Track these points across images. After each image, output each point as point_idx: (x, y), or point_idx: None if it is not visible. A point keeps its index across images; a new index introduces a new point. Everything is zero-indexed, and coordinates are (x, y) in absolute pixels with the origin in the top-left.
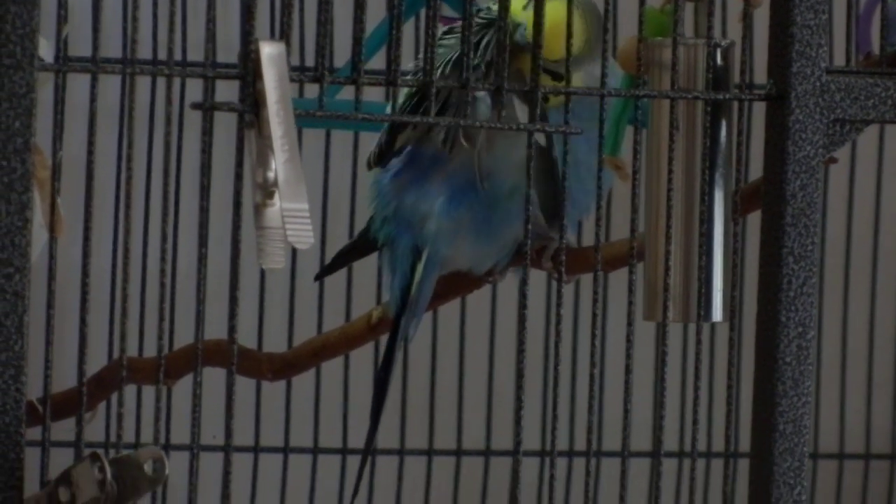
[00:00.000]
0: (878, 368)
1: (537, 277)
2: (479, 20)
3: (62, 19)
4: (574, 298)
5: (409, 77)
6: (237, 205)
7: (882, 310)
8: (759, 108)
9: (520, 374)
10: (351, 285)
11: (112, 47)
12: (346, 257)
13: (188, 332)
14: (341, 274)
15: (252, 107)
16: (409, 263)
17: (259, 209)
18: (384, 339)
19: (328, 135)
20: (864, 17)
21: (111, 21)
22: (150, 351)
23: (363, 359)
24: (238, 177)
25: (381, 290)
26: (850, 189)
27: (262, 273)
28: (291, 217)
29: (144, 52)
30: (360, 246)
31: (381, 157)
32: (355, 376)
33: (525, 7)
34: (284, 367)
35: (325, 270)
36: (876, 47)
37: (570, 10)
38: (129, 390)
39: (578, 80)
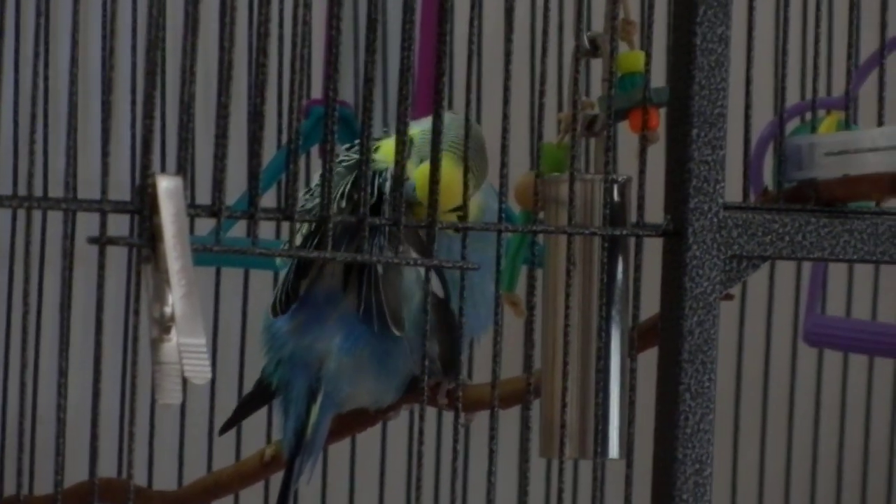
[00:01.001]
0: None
1: (430, 413)
2: (346, 160)
3: None
4: (465, 433)
5: (305, 211)
6: (134, 339)
7: (798, 446)
8: (653, 243)
9: None
10: (241, 424)
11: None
12: (247, 407)
13: (77, 468)
14: (230, 411)
15: (149, 241)
16: (305, 405)
17: (156, 344)
18: (276, 476)
19: (218, 272)
20: (756, 154)
21: (4, 155)
22: (40, 489)
23: (254, 498)
24: (135, 312)
25: (273, 426)
26: (768, 324)
27: (153, 408)
28: (188, 352)
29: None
30: (259, 394)
31: (286, 304)
32: None
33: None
34: None
35: (230, 423)
36: (769, 184)
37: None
38: None
39: (474, 205)
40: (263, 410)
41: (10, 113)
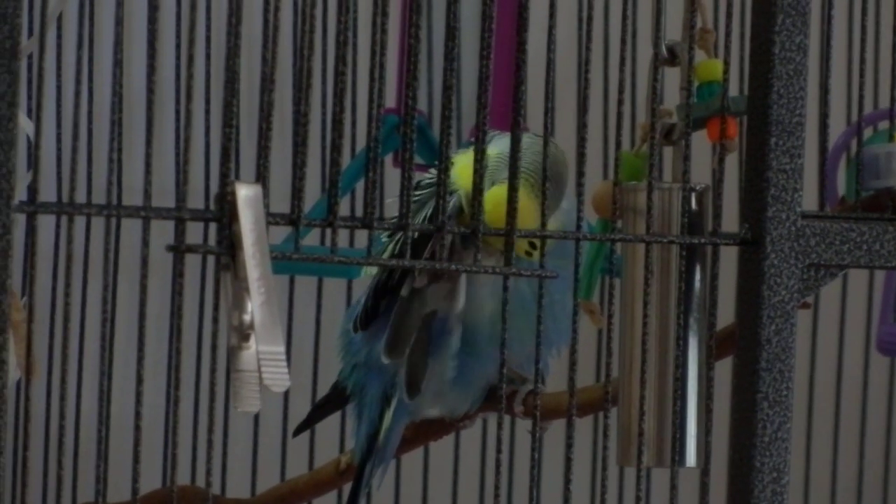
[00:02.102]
0: None
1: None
2: (429, 181)
3: (15, 166)
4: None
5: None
6: (213, 348)
7: (870, 454)
8: (728, 252)
9: None
10: (314, 431)
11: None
12: (322, 410)
13: (148, 475)
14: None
15: (228, 249)
16: (378, 411)
17: (234, 352)
18: (349, 485)
19: (292, 281)
20: (830, 164)
21: (78, 165)
22: (113, 496)
23: None
24: (214, 320)
25: (345, 435)
26: (841, 332)
27: (227, 416)
28: (267, 360)
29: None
30: (335, 398)
31: (366, 321)
32: None
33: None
34: None
35: (304, 425)
36: (841, 194)
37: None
38: None
39: (554, 223)
40: (336, 420)
41: (85, 122)
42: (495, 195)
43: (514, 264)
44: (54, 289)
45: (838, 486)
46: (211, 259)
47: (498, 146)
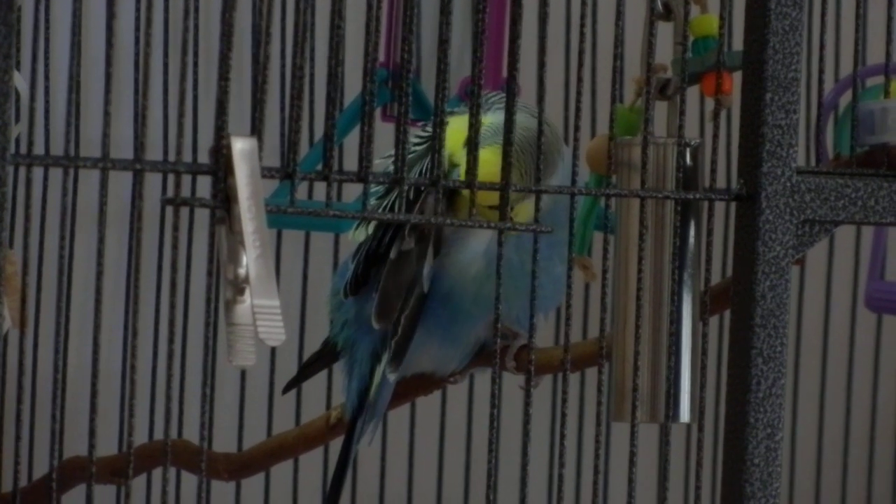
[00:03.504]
0: (853, 469)
1: (485, 377)
2: (419, 139)
3: (13, 119)
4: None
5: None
6: (209, 301)
7: (857, 410)
8: (722, 207)
9: (489, 474)
10: (301, 388)
11: (89, 146)
12: (312, 366)
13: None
14: (292, 373)
15: (223, 202)
16: (369, 367)
17: (230, 305)
18: (336, 441)
19: (279, 235)
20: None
21: (90, 118)
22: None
23: (313, 461)
24: (210, 273)
25: (332, 391)
26: (827, 288)
27: (212, 371)
28: (263, 314)
29: (122, 150)
30: (326, 354)
31: (356, 287)
32: (305, 478)
33: (463, 146)
34: (241, 467)
35: (293, 382)
36: (832, 151)
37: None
38: (79, 490)
39: (547, 198)
40: (323, 377)
41: (65, 77)
42: (482, 158)
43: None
44: (42, 243)
45: (825, 441)
46: (199, 213)
47: (490, 116)
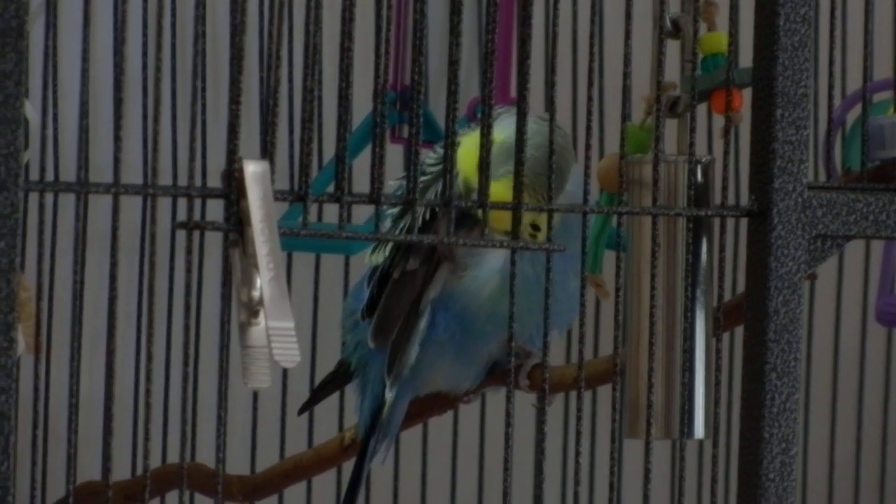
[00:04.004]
0: (865, 484)
1: (499, 396)
2: (431, 160)
3: (22, 145)
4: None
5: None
6: (223, 324)
7: (868, 425)
8: (734, 223)
9: (505, 493)
10: (312, 409)
11: (99, 172)
12: (327, 388)
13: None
14: (303, 395)
15: (236, 225)
16: (381, 387)
17: (244, 328)
18: (349, 462)
19: (290, 257)
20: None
21: (100, 143)
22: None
23: (327, 482)
24: (224, 296)
25: (345, 413)
26: (838, 303)
27: (225, 393)
28: (277, 336)
29: (134, 176)
30: (340, 375)
31: (371, 309)
32: (318, 499)
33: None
34: (255, 489)
35: (308, 403)
36: (841, 167)
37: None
38: None
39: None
40: (335, 398)
41: (74, 103)
42: (496, 191)
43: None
44: (52, 268)
45: (836, 456)
46: (209, 236)
47: (502, 132)
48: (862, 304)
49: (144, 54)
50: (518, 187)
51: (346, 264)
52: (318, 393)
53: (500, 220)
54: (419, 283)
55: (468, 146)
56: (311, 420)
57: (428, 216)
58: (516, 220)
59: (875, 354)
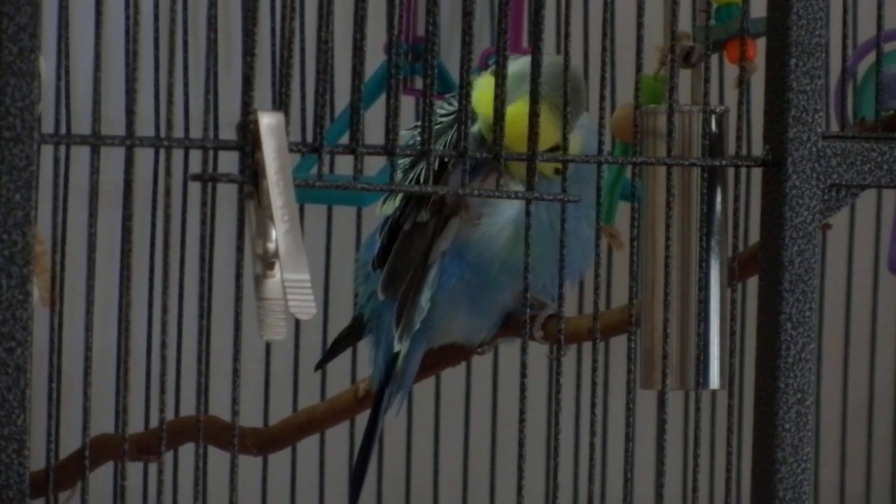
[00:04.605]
0: (878, 433)
1: (513, 348)
2: (443, 110)
3: (37, 98)
4: (555, 367)
5: (406, 146)
6: (238, 276)
7: (881, 374)
8: (754, 174)
9: (521, 444)
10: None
11: (110, 125)
12: (344, 342)
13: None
14: (316, 348)
15: (251, 178)
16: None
17: (259, 280)
18: (363, 414)
19: (302, 209)
20: (838, 85)
21: (111, 96)
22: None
23: (340, 435)
24: (238, 248)
25: (357, 366)
26: (850, 252)
27: (237, 345)
28: (293, 288)
29: (145, 128)
30: (356, 329)
31: (383, 259)
32: (332, 451)
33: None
34: (270, 442)
35: (325, 358)
36: (853, 116)
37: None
38: (108, 468)
39: (574, 140)
40: (347, 352)
41: (86, 56)
42: (513, 113)
43: (536, 187)
44: (65, 221)
45: (848, 405)
46: (222, 189)
47: (514, 65)
48: (874, 254)
49: (156, 6)
50: (533, 137)
51: (359, 216)
52: (334, 349)
53: (541, 142)
54: (430, 235)
55: (484, 87)
56: (323, 373)
57: (437, 166)
58: (531, 172)
59: (887, 304)
